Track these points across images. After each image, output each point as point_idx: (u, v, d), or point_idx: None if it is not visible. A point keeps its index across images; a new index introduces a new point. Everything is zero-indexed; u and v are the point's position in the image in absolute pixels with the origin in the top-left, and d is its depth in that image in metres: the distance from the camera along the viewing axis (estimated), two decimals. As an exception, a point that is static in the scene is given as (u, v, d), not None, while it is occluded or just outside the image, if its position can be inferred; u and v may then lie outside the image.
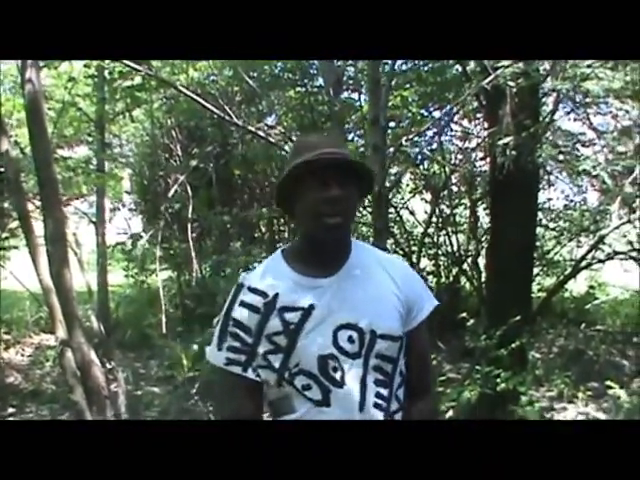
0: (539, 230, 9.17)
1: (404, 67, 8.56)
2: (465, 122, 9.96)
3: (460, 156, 10.12)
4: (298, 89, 9.34)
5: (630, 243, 9.22)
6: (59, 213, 5.17)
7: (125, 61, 6.15)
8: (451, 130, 9.85)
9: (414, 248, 10.30)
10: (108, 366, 5.70)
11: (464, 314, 5.66)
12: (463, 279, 10.30)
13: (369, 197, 5.66)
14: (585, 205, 9.86)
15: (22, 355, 9.29)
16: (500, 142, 5.71)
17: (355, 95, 9.15)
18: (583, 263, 8.39)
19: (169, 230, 10.85)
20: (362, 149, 8.02)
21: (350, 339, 1.80)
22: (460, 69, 7.41)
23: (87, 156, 10.98)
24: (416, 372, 1.94)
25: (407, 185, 10.77)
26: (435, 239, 10.47)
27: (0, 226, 9.11)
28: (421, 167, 10.14)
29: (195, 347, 7.34)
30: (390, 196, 9.25)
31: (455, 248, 10.25)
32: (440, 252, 10.54)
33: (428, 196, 10.45)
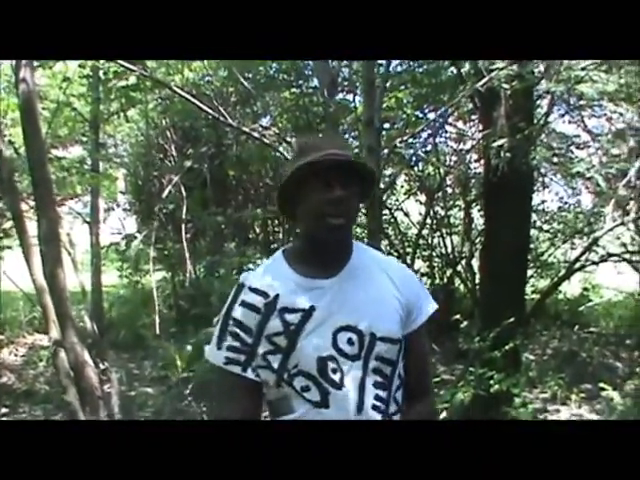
0: (533, 232, 9.20)
1: (399, 69, 8.58)
2: (460, 124, 9.99)
3: (455, 158, 10.14)
4: (293, 90, 9.35)
5: (624, 245, 9.26)
6: (53, 213, 5.16)
7: (120, 61, 6.14)
8: (446, 132, 9.90)
9: (408, 249, 10.30)
10: (102, 366, 5.69)
11: (458, 316, 5.67)
12: (457, 281, 10.32)
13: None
14: (579, 207, 9.92)
15: (15, 355, 9.27)
16: (494, 144, 5.72)
17: (350, 96, 9.17)
18: (577, 265, 8.38)
19: (163, 230, 10.86)
20: (357, 150, 8.03)
21: (350, 341, 1.80)
22: (455, 71, 7.42)
23: (81, 156, 10.96)
24: (415, 375, 1.94)
25: (402, 187, 10.79)
26: (429, 241, 10.49)
27: (-6, 226, 9.10)
28: (416, 169, 10.16)
29: (189, 348, 7.33)
30: (384, 197, 9.28)
31: (449, 250, 10.28)
32: (434, 254, 10.57)
33: (423, 198, 10.46)
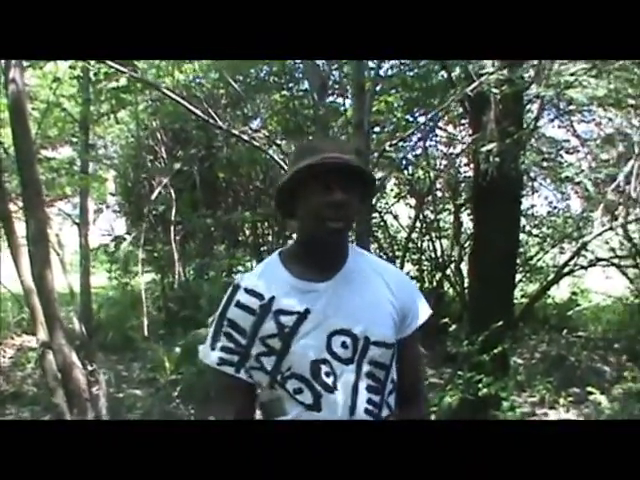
0: (522, 236, 9.21)
1: (390, 72, 8.60)
2: (450, 128, 10.02)
3: (444, 162, 10.17)
4: (283, 93, 9.35)
5: (612, 250, 9.30)
6: (41, 214, 5.15)
7: (110, 62, 6.13)
8: (436, 136, 9.93)
9: (398, 253, 10.33)
10: (90, 368, 5.66)
11: (447, 319, 5.66)
12: (446, 284, 10.33)
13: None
14: (568, 212, 9.94)
15: (3, 357, 9.21)
16: (484, 148, 5.73)
17: (340, 99, 9.19)
18: (566, 269, 8.44)
19: (153, 232, 10.84)
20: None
21: (343, 344, 1.80)
22: (445, 75, 7.44)
23: (71, 157, 10.95)
24: (408, 379, 1.94)
25: (391, 190, 10.80)
26: (419, 244, 10.51)
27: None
28: (405, 172, 10.18)
29: (178, 350, 7.32)
30: (374, 201, 9.28)
31: (439, 253, 10.29)
32: (424, 257, 10.58)
33: (412, 201, 10.48)
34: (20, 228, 5.31)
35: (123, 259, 11.24)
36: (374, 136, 8.42)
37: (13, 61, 4.93)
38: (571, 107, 7.80)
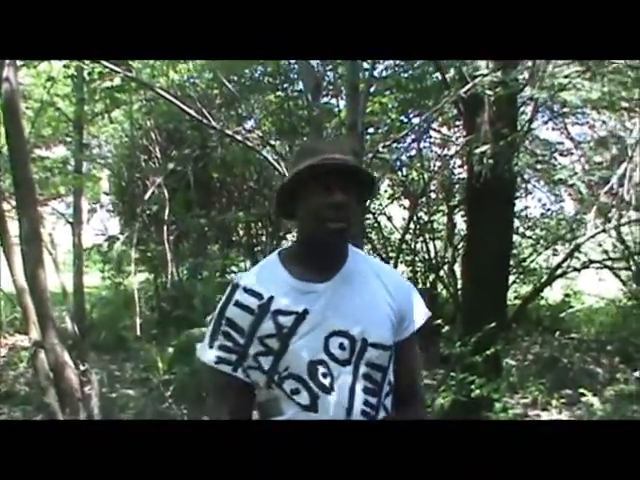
0: (516, 238, 9.24)
1: (384, 73, 8.60)
2: (444, 129, 10.03)
3: (439, 163, 10.17)
4: (278, 93, 9.34)
5: (605, 252, 9.33)
6: (34, 213, 5.13)
7: (105, 62, 6.12)
8: (430, 137, 9.93)
9: (391, 254, 10.33)
10: (82, 368, 5.65)
11: (440, 321, 5.66)
12: (440, 286, 10.34)
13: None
14: (562, 214, 9.98)
15: (-5, 356, 9.20)
16: (478, 150, 5.74)
17: (334, 100, 9.18)
18: (559, 271, 8.45)
19: (146, 232, 10.83)
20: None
21: (341, 346, 1.80)
22: (440, 77, 7.45)
23: (65, 156, 10.94)
24: (405, 381, 1.94)
25: (385, 191, 10.80)
26: (412, 245, 10.52)
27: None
28: (399, 173, 10.18)
29: (170, 350, 7.31)
30: (368, 202, 9.28)
31: (432, 255, 10.30)
32: (417, 258, 10.59)
33: (406, 202, 10.49)
34: (13, 227, 5.30)
35: (116, 259, 11.23)
36: (368, 137, 8.43)
37: (7, 60, 4.91)
38: (565, 109, 7.83)
